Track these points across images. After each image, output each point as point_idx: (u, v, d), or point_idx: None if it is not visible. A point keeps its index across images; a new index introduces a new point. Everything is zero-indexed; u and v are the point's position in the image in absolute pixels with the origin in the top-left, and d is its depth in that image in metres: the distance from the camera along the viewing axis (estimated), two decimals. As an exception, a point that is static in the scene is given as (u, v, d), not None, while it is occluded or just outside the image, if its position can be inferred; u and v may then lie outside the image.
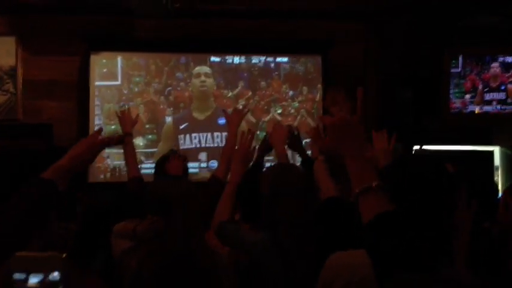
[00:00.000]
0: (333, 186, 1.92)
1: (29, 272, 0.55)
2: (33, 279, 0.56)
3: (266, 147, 2.60)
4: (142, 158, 4.12)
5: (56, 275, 0.55)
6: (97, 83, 4.18)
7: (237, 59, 4.34)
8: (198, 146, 4.26)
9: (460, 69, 4.07)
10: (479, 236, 1.78)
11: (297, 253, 1.80)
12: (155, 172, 2.76)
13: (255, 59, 4.35)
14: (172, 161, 2.66)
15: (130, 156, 2.71)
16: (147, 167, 3.97)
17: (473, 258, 1.34)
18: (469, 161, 3.62)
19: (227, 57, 4.33)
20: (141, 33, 4.20)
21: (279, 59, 4.36)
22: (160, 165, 2.71)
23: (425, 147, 4.00)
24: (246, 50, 4.34)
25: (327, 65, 4.30)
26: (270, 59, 4.36)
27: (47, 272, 0.54)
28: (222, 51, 4.32)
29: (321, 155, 2.19)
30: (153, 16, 3.87)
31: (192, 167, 3.96)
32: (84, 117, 4.12)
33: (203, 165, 4.24)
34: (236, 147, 2.43)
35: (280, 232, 1.81)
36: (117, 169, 4.13)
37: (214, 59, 4.32)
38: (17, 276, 0.56)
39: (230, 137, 2.61)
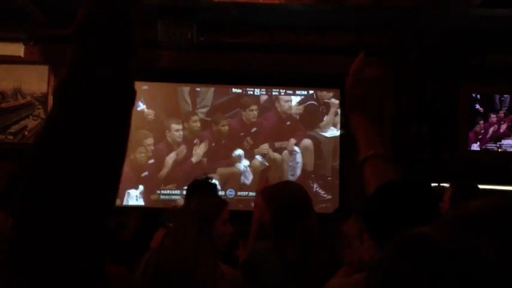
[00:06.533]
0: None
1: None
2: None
3: None
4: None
5: None
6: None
7: (257, 91, 4.45)
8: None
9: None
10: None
11: (298, 262, 1.93)
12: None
13: (275, 91, 4.44)
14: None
15: None
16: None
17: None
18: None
19: (248, 89, 4.44)
20: (165, 64, 4.35)
21: (298, 92, 4.44)
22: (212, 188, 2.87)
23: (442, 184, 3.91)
24: (267, 82, 4.45)
25: (345, 98, 4.32)
26: (289, 91, 4.45)
27: None
28: (243, 83, 4.44)
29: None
30: (178, 48, 4.01)
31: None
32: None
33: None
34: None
35: (283, 242, 1.97)
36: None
37: (236, 90, 4.44)
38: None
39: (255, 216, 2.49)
